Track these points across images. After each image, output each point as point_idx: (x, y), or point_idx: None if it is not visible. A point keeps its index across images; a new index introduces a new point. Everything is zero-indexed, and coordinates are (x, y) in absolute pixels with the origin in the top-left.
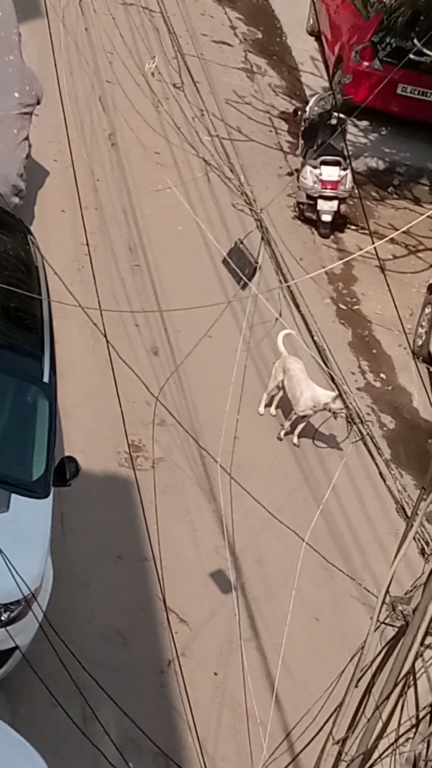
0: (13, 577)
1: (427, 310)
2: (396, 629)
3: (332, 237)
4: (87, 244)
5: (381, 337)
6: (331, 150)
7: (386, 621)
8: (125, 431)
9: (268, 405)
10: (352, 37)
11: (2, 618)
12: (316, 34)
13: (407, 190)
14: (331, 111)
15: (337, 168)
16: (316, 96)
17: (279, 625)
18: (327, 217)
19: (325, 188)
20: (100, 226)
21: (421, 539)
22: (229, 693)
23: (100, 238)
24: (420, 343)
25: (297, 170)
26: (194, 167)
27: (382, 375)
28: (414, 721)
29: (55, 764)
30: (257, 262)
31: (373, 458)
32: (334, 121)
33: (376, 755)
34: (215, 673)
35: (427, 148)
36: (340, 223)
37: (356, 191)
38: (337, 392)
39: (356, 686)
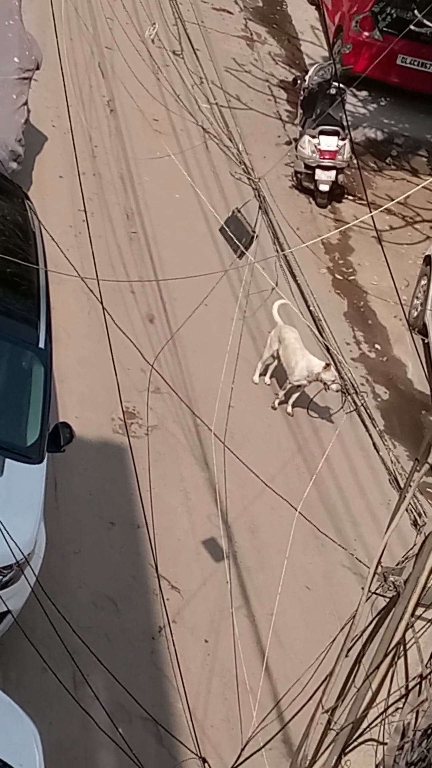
0: (6, 541)
1: (423, 282)
2: (387, 600)
3: (329, 207)
4: (84, 211)
5: (376, 308)
6: (329, 120)
7: (377, 591)
8: (120, 398)
9: (263, 374)
10: (353, 6)
11: None
12: (316, 3)
13: (405, 161)
14: (330, 81)
15: (336, 138)
16: (316, 65)
17: (270, 593)
18: (324, 187)
19: (323, 158)
20: (97, 192)
21: (413, 510)
22: (219, 660)
23: (98, 205)
24: (415, 314)
25: (295, 139)
26: (193, 135)
27: (377, 346)
28: (403, 691)
29: (45, 728)
30: (254, 231)
31: (367, 429)
32: (333, 91)
33: (365, 724)
34: (206, 641)
35: (426, 120)
36: (337, 193)
37: (354, 161)
38: (328, 361)
39: (347, 656)
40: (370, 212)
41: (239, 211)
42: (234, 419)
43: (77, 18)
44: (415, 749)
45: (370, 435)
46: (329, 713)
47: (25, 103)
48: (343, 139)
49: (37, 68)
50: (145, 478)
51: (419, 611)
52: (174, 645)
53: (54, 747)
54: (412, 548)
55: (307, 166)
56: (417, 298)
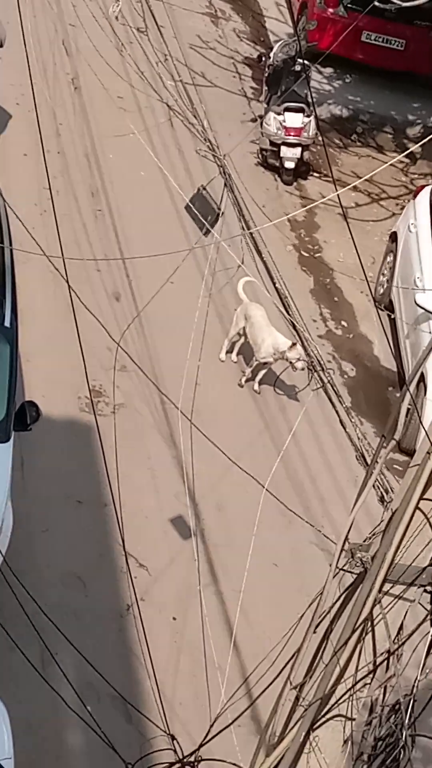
0: None
1: (389, 258)
2: (354, 576)
3: (295, 184)
4: (49, 189)
5: (343, 285)
6: (294, 97)
7: (345, 568)
8: (86, 376)
9: (230, 351)
10: None
11: None
12: None
13: (370, 137)
14: (295, 57)
15: (301, 115)
16: (281, 42)
17: (238, 571)
18: (290, 164)
19: (289, 135)
20: (62, 170)
21: (380, 487)
22: (187, 638)
23: (63, 183)
24: (381, 291)
25: (260, 116)
26: (158, 112)
27: (343, 323)
28: (371, 667)
29: (14, 707)
30: (220, 209)
31: (334, 406)
32: (298, 68)
33: (333, 700)
34: (174, 618)
35: (390, 96)
36: (303, 170)
37: (320, 138)
38: (294, 341)
39: (314, 632)
40: (336, 189)
41: (204, 189)
42: (201, 397)
43: None
44: (383, 725)
45: (337, 412)
46: (297, 689)
47: None
48: (308, 116)
49: (1, 46)
50: (111, 457)
51: (386, 587)
52: (142, 623)
53: (23, 726)
54: (379, 524)
55: (272, 143)
56: (383, 274)
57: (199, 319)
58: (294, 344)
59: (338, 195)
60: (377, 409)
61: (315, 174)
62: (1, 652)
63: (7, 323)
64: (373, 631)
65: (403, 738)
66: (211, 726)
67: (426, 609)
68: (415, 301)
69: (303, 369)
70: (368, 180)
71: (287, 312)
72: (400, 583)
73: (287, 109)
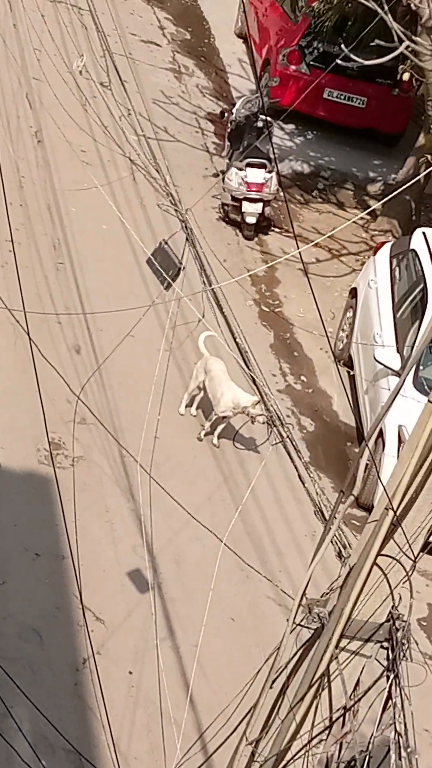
0: None
1: (348, 314)
2: (312, 631)
3: (256, 239)
4: (11, 241)
5: (303, 340)
6: (256, 152)
7: (302, 623)
8: (46, 428)
9: (189, 405)
10: (280, 40)
11: None
12: (244, 36)
13: (332, 194)
14: (257, 113)
15: (263, 170)
16: (243, 98)
17: (195, 625)
18: (251, 219)
19: (250, 190)
20: (24, 222)
21: (338, 542)
22: (143, 692)
23: (25, 235)
24: (341, 346)
25: (222, 172)
26: (120, 166)
27: (302, 377)
28: (327, 723)
29: None
30: (181, 263)
31: (293, 460)
32: (260, 124)
33: (289, 756)
34: (130, 672)
35: (352, 153)
36: (264, 225)
37: (281, 194)
38: (258, 398)
39: (271, 687)
40: (297, 245)
41: (166, 243)
42: (160, 450)
43: (5, 48)
44: None
45: (295, 467)
46: (253, 745)
47: None
48: (269, 172)
49: None
50: (70, 509)
51: (343, 643)
52: (98, 676)
53: None
54: (336, 580)
55: (234, 198)
56: (342, 330)
57: (159, 372)
58: (258, 401)
59: (299, 252)
60: (336, 464)
61: (276, 229)
62: None
63: None
64: (329, 686)
65: None
66: None
67: (382, 665)
68: (374, 357)
69: (263, 423)
70: (329, 236)
71: (247, 366)
72: (357, 638)
73: (249, 165)
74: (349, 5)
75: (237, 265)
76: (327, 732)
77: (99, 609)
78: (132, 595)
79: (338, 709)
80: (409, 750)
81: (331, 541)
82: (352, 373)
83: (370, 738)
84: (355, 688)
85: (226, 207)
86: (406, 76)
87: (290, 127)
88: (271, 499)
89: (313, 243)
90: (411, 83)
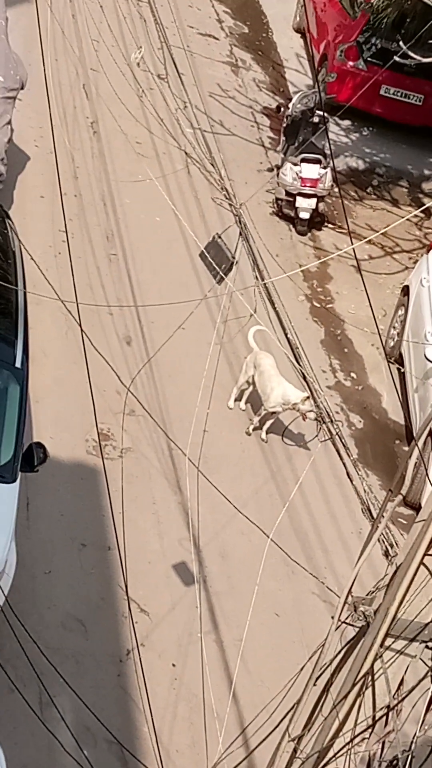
0: None
1: (400, 312)
2: (356, 629)
3: (309, 234)
4: (65, 231)
5: (353, 337)
6: (312, 148)
7: (347, 621)
8: (95, 419)
9: (238, 399)
10: (338, 36)
11: None
12: (302, 31)
13: (386, 191)
14: (313, 109)
15: (317, 166)
16: (300, 93)
17: (239, 619)
18: (305, 215)
19: (305, 185)
20: (78, 213)
21: (385, 541)
22: (186, 685)
23: (78, 226)
24: (392, 344)
25: (277, 166)
26: (175, 159)
27: (352, 374)
28: (370, 721)
29: (10, 749)
30: (234, 258)
31: (341, 457)
32: (316, 119)
33: (331, 754)
34: (173, 665)
35: (407, 151)
36: (317, 221)
37: (335, 190)
38: (308, 393)
39: (315, 684)
40: (351, 241)
41: (219, 237)
42: (208, 444)
43: (63, 39)
44: None
45: (344, 463)
46: (296, 742)
47: (9, 123)
48: (324, 168)
49: (22, 88)
50: (117, 500)
51: (388, 642)
52: (142, 668)
53: None
54: (382, 578)
55: (288, 194)
56: (394, 327)
57: (209, 366)
58: (307, 397)
59: (353, 248)
60: (384, 461)
61: (329, 225)
62: None
63: (18, 364)
64: (373, 685)
65: None
66: None
67: (427, 665)
68: (425, 355)
69: (313, 419)
70: (383, 233)
71: (297, 362)
72: (402, 638)
73: (304, 160)
74: (409, 2)
75: (289, 260)
76: (370, 731)
77: (144, 601)
78: (177, 587)
79: (382, 708)
80: None
81: (378, 540)
82: (402, 370)
83: (413, 737)
84: (399, 688)
85: (280, 202)
86: None
87: (346, 123)
88: (318, 496)
89: (366, 240)
90: None
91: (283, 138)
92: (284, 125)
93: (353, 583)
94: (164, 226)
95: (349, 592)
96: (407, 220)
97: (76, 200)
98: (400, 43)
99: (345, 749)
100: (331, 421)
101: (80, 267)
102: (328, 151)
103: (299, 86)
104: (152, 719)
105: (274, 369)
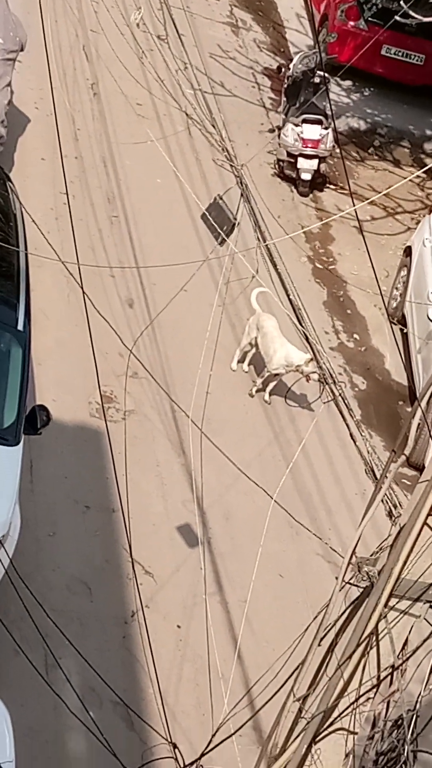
0: None
1: (402, 273)
2: (361, 590)
3: (311, 195)
4: (66, 193)
5: (356, 298)
6: (313, 108)
7: (351, 581)
8: (98, 382)
9: (241, 361)
10: None
11: None
12: None
13: (388, 151)
14: (314, 69)
15: (319, 127)
16: (301, 54)
17: (244, 580)
18: (306, 176)
19: (306, 146)
20: (79, 175)
21: (389, 501)
22: (191, 646)
23: (79, 188)
24: (395, 305)
25: (278, 127)
26: (176, 120)
27: (355, 335)
28: (375, 681)
29: (16, 711)
30: (236, 219)
31: (344, 419)
32: (317, 80)
33: (336, 714)
34: (178, 626)
35: (409, 111)
36: (319, 181)
37: (337, 151)
38: (311, 355)
39: (319, 645)
40: (353, 202)
41: (221, 198)
42: (211, 406)
43: (63, 0)
44: (385, 739)
45: (347, 425)
46: (301, 702)
47: (9, 84)
48: (326, 128)
49: (21, 50)
50: (120, 463)
51: (392, 602)
52: (147, 630)
53: (24, 729)
54: (386, 539)
55: (289, 155)
56: (396, 288)
57: (211, 327)
58: (311, 359)
59: (355, 209)
60: (387, 423)
61: (331, 186)
62: (5, 655)
63: (20, 327)
64: (377, 645)
65: (405, 753)
66: (213, 735)
67: (431, 625)
68: (428, 316)
69: (316, 381)
70: (385, 194)
71: (300, 323)
72: (406, 598)
73: (305, 121)
74: None
75: (291, 221)
76: (374, 690)
77: (148, 563)
78: (181, 549)
79: (386, 668)
80: None
81: (382, 500)
82: (405, 331)
83: (418, 697)
84: (403, 648)
85: (281, 163)
86: None
87: (347, 83)
88: (321, 457)
89: (368, 201)
90: None
91: (284, 99)
92: (285, 86)
93: (357, 543)
94: (165, 188)
95: (353, 552)
96: (409, 180)
97: (76, 162)
98: (401, 2)
99: (349, 709)
100: (334, 382)
101: (82, 229)
102: (329, 112)
103: (300, 47)
104: (157, 680)
105: (276, 331)
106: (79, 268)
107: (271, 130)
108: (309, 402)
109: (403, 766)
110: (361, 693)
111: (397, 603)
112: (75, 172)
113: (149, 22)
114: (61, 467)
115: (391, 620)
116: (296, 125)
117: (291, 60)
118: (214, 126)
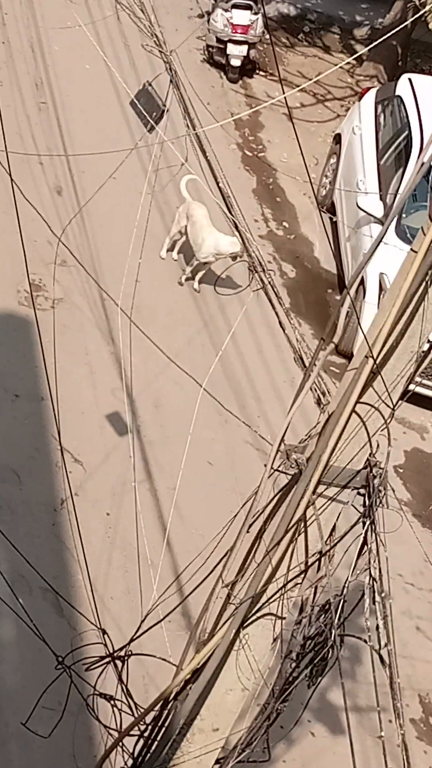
0: None
1: (332, 160)
2: (289, 477)
3: (241, 82)
4: None
5: (285, 186)
6: None
7: (280, 468)
8: (27, 270)
9: (171, 249)
10: None
11: None
12: None
13: (317, 37)
14: None
15: (248, 12)
16: None
17: (173, 468)
18: (236, 62)
19: (236, 32)
20: (6, 61)
21: (317, 389)
22: (120, 533)
23: (7, 74)
24: (324, 192)
25: (208, 13)
26: (104, 5)
27: (284, 223)
28: (303, 567)
29: None
30: (165, 105)
31: (273, 307)
32: None
33: (264, 599)
34: (108, 514)
35: None
36: (249, 68)
37: (266, 37)
38: (240, 242)
39: (248, 531)
40: (283, 89)
41: (150, 85)
42: (140, 294)
43: None
44: (313, 624)
45: (276, 313)
46: (229, 587)
47: None
48: (255, 14)
49: None
50: (49, 351)
51: (320, 489)
52: (76, 517)
53: None
54: (315, 427)
55: (219, 40)
56: (326, 176)
57: (140, 215)
58: (241, 247)
59: (285, 96)
60: (316, 311)
61: (261, 72)
62: None
63: None
64: (305, 531)
65: (332, 637)
66: (142, 621)
67: (358, 511)
68: (357, 204)
69: (247, 269)
70: (315, 81)
71: (229, 211)
72: (334, 485)
73: (235, 6)
74: None
75: (221, 108)
76: (302, 576)
77: (77, 451)
78: (110, 437)
79: (314, 554)
80: (383, 594)
81: (311, 388)
82: (334, 219)
83: (345, 582)
84: (331, 534)
85: (210, 49)
86: None
87: None
88: (251, 345)
89: (298, 88)
90: None
91: None
92: None
93: (286, 431)
94: (94, 74)
95: (282, 440)
96: (339, 67)
97: (3, 47)
98: None
99: (278, 594)
100: (263, 270)
101: (9, 115)
102: None
103: None
104: (87, 567)
105: (206, 219)
106: (7, 154)
107: (201, 16)
108: (238, 290)
109: (330, 650)
110: (289, 579)
111: (325, 490)
112: (2, 58)
113: None
114: None
115: (319, 507)
116: (226, 11)
117: None
118: (142, 11)
